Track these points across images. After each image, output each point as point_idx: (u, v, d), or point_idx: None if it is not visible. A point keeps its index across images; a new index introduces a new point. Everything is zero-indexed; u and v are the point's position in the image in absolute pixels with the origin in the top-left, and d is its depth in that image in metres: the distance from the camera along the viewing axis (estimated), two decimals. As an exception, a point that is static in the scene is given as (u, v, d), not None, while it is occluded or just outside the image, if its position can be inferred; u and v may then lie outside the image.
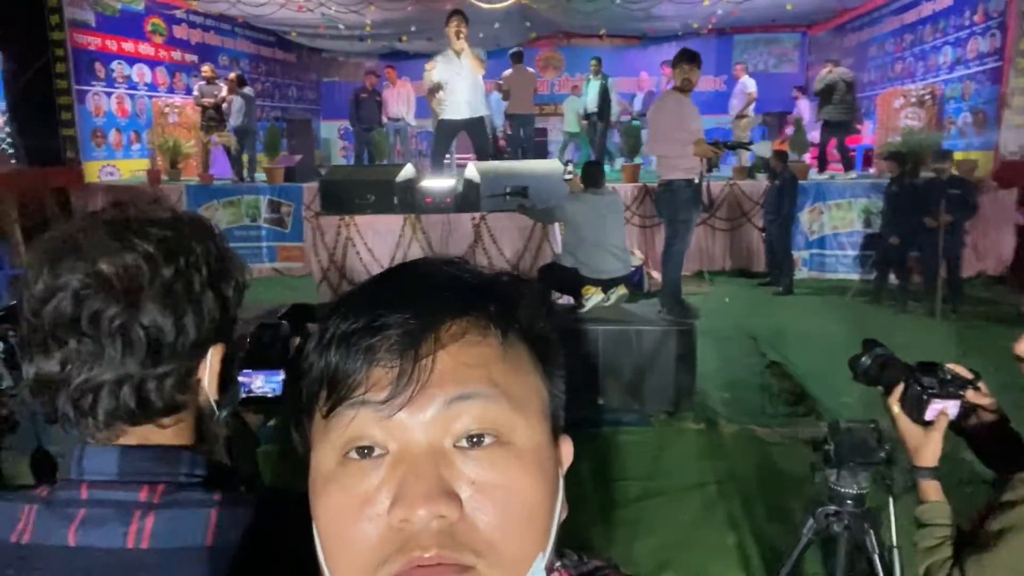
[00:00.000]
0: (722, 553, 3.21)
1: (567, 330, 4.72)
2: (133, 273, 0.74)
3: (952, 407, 1.31)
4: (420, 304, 0.47)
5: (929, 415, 1.29)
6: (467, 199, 5.81)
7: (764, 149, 7.65)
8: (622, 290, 5.09)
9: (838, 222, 9.10)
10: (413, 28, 12.88)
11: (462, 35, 6.37)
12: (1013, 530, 1.09)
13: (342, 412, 0.46)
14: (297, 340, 1.19)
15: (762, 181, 9.00)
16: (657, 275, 7.99)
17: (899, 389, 1.32)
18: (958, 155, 8.61)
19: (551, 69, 16.31)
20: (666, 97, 4.98)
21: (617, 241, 4.99)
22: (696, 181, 4.99)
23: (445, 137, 6.63)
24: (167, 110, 11.52)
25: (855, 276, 8.58)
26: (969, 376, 1.33)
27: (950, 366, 1.32)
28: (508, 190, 5.63)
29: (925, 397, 1.28)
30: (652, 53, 14.60)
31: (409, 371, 0.44)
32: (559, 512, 0.49)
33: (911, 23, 11.75)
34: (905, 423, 1.31)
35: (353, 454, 0.45)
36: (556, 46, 15.96)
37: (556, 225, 5.62)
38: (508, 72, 10.02)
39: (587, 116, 10.26)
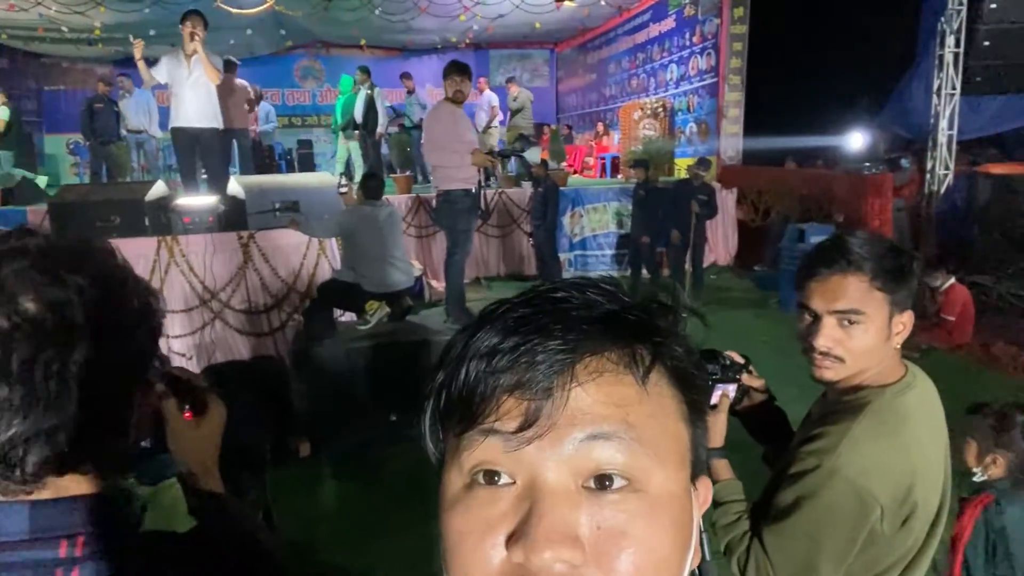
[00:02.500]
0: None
1: (353, 348, 4.58)
2: (65, 310, 0.68)
3: (732, 390, 1.44)
4: (558, 336, 0.45)
5: (713, 399, 1.41)
6: (232, 217, 5.40)
7: (534, 155, 8.10)
8: (407, 302, 5.05)
9: (596, 224, 9.87)
10: (152, 32, 11.72)
11: (196, 37, 5.93)
12: (807, 498, 1.22)
13: (472, 436, 0.45)
14: None
15: (527, 188, 9.48)
16: (437, 284, 8.08)
17: None
18: (688, 161, 9.79)
19: (311, 79, 15.82)
20: (440, 108, 5.04)
21: (398, 252, 4.95)
22: (473, 191, 5.12)
23: (184, 148, 6.11)
24: None
25: (614, 273, 9.34)
26: (742, 361, 1.48)
27: (728, 353, 1.45)
28: (278, 205, 5.33)
29: (709, 382, 1.40)
30: (414, 64, 14.77)
31: (542, 406, 0.44)
32: (690, 562, 0.47)
33: (642, 43, 13.12)
34: None
35: (480, 478, 0.45)
36: (316, 55, 15.50)
37: (333, 240, 5.43)
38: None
39: (355, 127, 10.07)
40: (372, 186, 4.96)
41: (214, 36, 6.66)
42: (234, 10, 10.10)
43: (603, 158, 12.93)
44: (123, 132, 10.24)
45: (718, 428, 1.40)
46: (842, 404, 1.30)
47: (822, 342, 1.28)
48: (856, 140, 12.17)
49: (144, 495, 0.98)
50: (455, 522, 0.45)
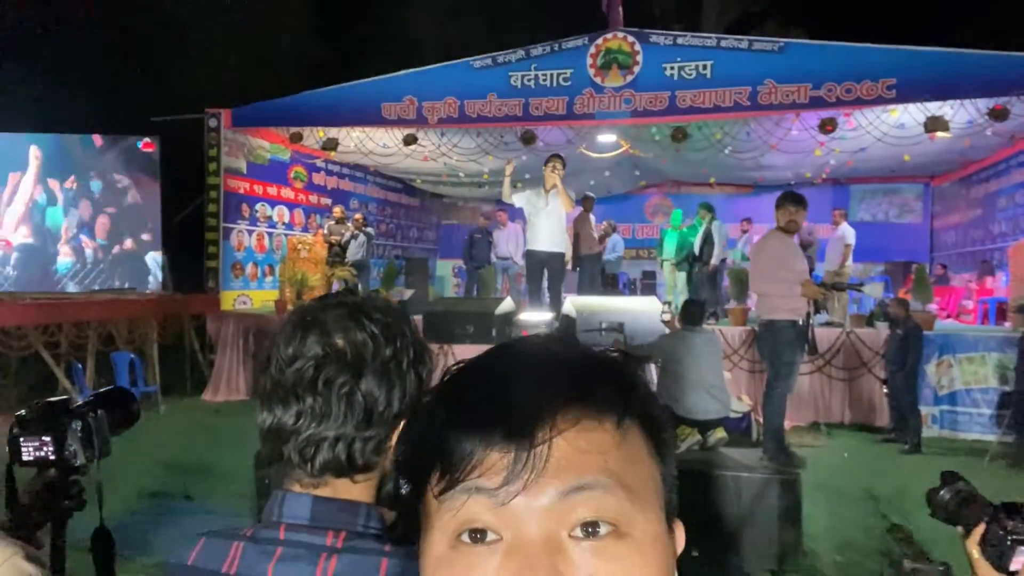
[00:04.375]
0: None
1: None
2: (361, 349, 0.89)
3: None
4: (536, 388, 0.46)
5: (1014, 565, 1.12)
6: (563, 332, 5.85)
7: (875, 291, 7.36)
8: (720, 433, 4.84)
9: (970, 377, 8.39)
10: (527, 176, 13.65)
11: (556, 170, 6.75)
12: None
13: (455, 495, 0.46)
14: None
15: (882, 330, 8.54)
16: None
17: (979, 530, 1.17)
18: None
19: (660, 215, 16.65)
20: (769, 237, 4.94)
21: (715, 381, 4.82)
22: (800, 323, 4.82)
23: (533, 269, 6.90)
24: (300, 246, 12.57)
25: (991, 437, 7.74)
26: (1063, 522, 1.15)
27: (1045, 509, 1.15)
28: (604, 325, 5.63)
29: (1010, 542, 1.12)
30: (765, 200, 14.65)
31: (524, 458, 0.44)
32: None
33: (1042, 174, 11.25)
34: (984, 569, 1.14)
35: (466, 538, 0.45)
36: (666, 193, 16.35)
37: (652, 364, 5.52)
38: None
39: (692, 258, 10.29)
40: (692, 311, 4.99)
41: (577, 179, 7.56)
42: (594, 155, 11.28)
43: (986, 302, 11.10)
44: (493, 258, 11.88)
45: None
46: None
47: None
48: None
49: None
50: None
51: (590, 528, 0.43)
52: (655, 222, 16.62)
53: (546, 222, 6.84)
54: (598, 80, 9.85)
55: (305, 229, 13.15)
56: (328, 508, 0.88)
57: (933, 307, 9.81)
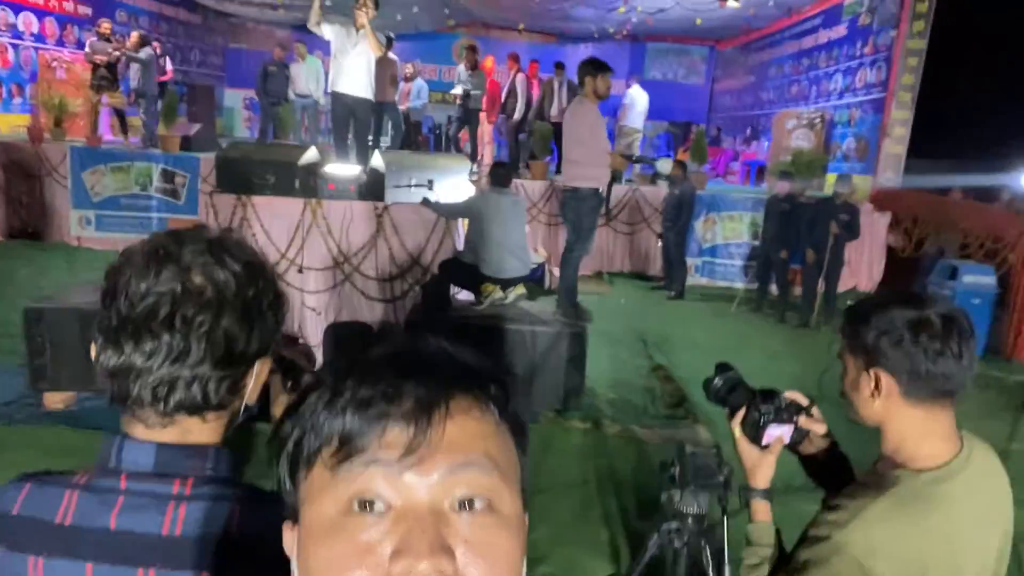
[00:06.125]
0: (596, 548, 3.37)
1: (461, 325, 4.78)
2: (222, 287, 0.87)
3: (787, 432, 1.44)
4: (433, 378, 0.52)
5: (765, 439, 1.41)
6: (371, 188, 5.75)
7: (665, 166, 8.06)
8: (520, 289, 5.19)
9: (729, 232, 9.58)
10: (329, 2, 12.52)
11: (367, 8, 6.25)
12: (815, 564, 1.21)
13: (352, 468, 0.50)
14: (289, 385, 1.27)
15: (662, 188, 9.35)
16: (559, 273, 8.19)
17: (741, 413, 1.44)
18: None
19: (467, 58, 16.28)
20: (581, 105, 5.06)
21: (518, 241, 5.08)
22: (601, 190, 5.15)
23: (339, 115, 6.50)
24: (54, 64, 10.75)
25: (740, 285, 9.05)
26: (804, 403, 1.46)
27: (788, 393, 1.44)
28: (414, 182, 5.61)
29: (762, 422, 1.40)
30: (568, 51, 14.83)
31: (422, 436, 0.50)
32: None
33: (808, 48, 12.47)
34: (744, 445, 1.42)
35: (355, 507, 0.50)
36: (475, 35, 15.91)
37: (460, 221, 5.66)
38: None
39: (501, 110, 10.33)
40: (501, 174, 5.12)
41: (382, 11, 7.03)
42: (404, -14, 10.58)
43: (749, 164, 12.48)
44: (292, 95, 11.03)
45: (764, 469, 1.40)
46: (873, 478, 1.27)
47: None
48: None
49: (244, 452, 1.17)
50: (331, 550, 0.50)
51: (469, 502, 0.50)
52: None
53: (353, 62, 6.37)
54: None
55: (60, 43, 11.22)
56: (174, 454, 0.85)
57: (707, 168, 10.86)
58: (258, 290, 0.91)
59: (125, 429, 0.88)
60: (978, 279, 7.03)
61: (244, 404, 0.94)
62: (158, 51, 10.55)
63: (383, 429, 0.50)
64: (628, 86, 11.20)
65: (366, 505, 0.50)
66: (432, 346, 0.57)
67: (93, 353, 0.89)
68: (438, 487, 0.50)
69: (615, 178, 8.42)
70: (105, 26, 9.78)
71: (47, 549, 0.79)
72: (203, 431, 0.89)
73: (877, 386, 1.26)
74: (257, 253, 0.95)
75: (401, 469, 0.49)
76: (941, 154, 10.31)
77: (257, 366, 0.92)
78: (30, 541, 0.80)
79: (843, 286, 8.48)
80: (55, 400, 4.45)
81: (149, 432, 0.87)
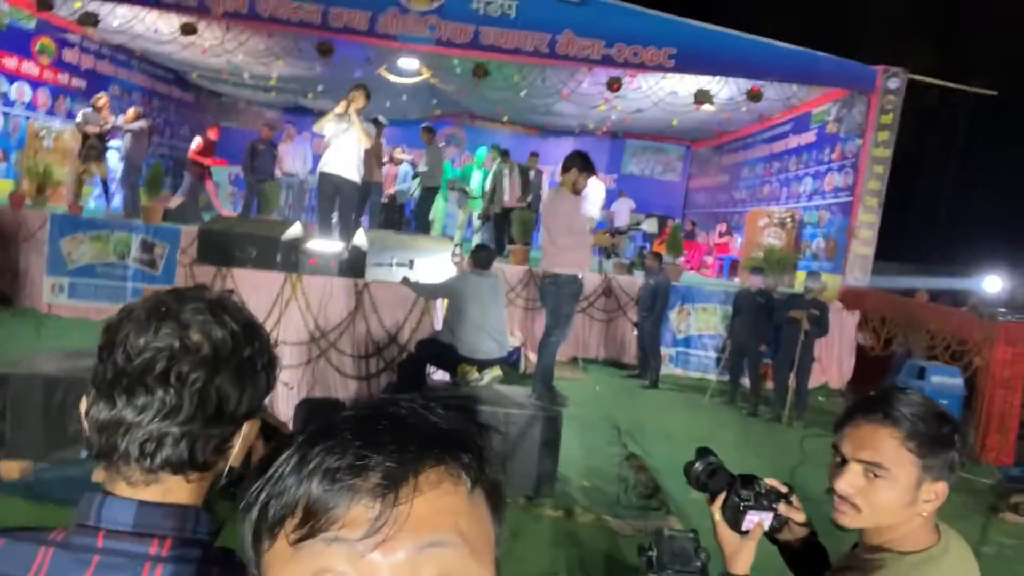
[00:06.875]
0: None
1: (441, 405, 4.73)
2: (220, 346, 0.88)
3: (767, 519, 1.44)
4: (402, 449, 0.49)
5: (745, 525, 1.41)
6: (352, 265, 5.80)
7: (651, 226, 8.28)
8: (496, 371, 5.19)
9: (703, 324, 9.71)
10: (320, 87, 12.96)
11: (355, 103, 6.53)
12: None
13: (313, 544, 0.47)
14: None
15: (638, 278, 9.52)
16: (534, 357, 8.20)
17: (721, 498, 1.44)
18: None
19: (453, 146, 16.75)
20: (558, 195, 5.23)
21: (496, 324, 5.12)
22: (580, 277, 5.25)
23: (325, 194, 6.66)
24: (43, 133, 10.87)
25: (712, 376, 9.11)
26: (783, 490, 1.47)
27: (768, 481, 1.45)
28: (395, 261, 5.68)
29: (742, 508, 1.41)
30: (551, 143, 15.35)
31: (388, 514, 0.47)
32: None
33: (779, 152, 13.04)
34: (724, 530, 1.42)
35: None
36: (461, 124, 16.44)
37: (439, 301, 5.70)
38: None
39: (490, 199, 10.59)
40: (482, 256, 5.21)
41: (373, 99, 7.29)
42: (393, 78, 11.00)
43: (722, 259, 12.79)
44: (278, 173, 11.21)
45: (744, 555, 1.40)
46: (858, 562, 1.28)
47: (842, 486, 1.29)
48: (994, 284, 11.38)
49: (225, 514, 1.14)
50: None
51: None
52: (446, 154, 16.70)
53: (344, 146, 6.59)
54: (404, 0, 9.55)
55: (51, 112, 11.38)
56: (154, 513, 0.84)
57: (681, 260, 11.12)
58: (254, 351, 0.91)
59: (107, 487, 0.86)
60: (945, 380, 7.16)
61: (228, 466, 0.93)
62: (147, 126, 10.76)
63: (348, 505, 0.47)
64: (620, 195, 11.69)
65: None
66: (405, 409, 0.54)
67: (83, 407, 0.88)
68: (404, 567, 0.47)
69: (610, 256, 8.65)
70: (102, 101, 9.97)
71: None
72: (185, 491, 0.88)
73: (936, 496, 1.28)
74: (254, 316, 0.97)
75: (365, 549, 0.46)
76: (907, 257, 10.68)
77: (245, 427, 0.92)
78: None
79: (814, 382, 8.56)
80: (11, 468, 4.28)
81: (131, 489, 0.85)
